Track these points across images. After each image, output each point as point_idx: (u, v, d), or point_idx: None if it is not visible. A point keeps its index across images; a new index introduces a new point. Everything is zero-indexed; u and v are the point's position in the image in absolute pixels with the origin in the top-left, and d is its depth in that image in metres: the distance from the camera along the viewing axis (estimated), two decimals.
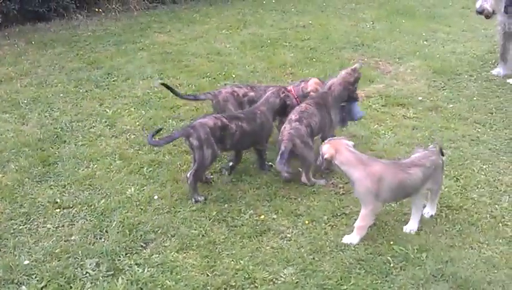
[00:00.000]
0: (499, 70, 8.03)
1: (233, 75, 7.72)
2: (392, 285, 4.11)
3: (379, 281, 4.14)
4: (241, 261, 4.27)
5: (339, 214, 4.89)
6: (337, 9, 11.41)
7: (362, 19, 10.81)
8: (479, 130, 6.51)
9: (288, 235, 4.64)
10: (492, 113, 6.93)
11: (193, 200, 4.95)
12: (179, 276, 4.07)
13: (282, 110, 5.48)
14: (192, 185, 4.95)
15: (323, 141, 5.03)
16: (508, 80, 7.79)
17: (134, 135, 6.15)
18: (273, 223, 4.76)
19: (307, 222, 4.77)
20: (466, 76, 8.02)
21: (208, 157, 4.96)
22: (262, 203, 5.02)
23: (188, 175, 4.99)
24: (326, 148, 4.54)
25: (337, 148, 4.52)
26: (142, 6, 11.05)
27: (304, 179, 5.30)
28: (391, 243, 4.53)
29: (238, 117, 5.20)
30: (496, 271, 4.30)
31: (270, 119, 5.39)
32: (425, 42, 9.48)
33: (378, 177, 4.42)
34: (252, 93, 5.78)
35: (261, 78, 7.67)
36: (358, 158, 4.52)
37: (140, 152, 5.79)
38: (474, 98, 7.30)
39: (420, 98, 7.24)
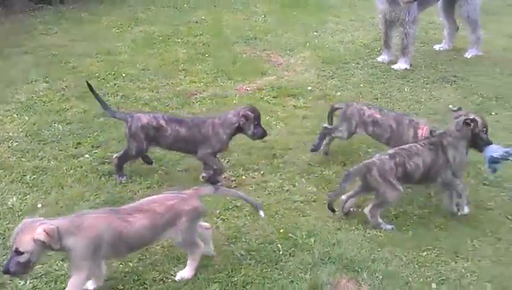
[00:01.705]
0: (383, 57, 8.36)
1: (124, 74, 7.59)
2: (281, 272, 4.18)
3: (269, 269, 4.20)
4: (130, 264, 4.20)
5: (230, 207, 4.91)
6: (230, 4, 11.45)
7: (254, 12, 10.90)
8: None
9: None
10: (377, 99, 7.20)
11: (118, 180, 5.25)
12: (63, 285, 3.94)
13: (238, 131, 5.33)
14: (115, 167, 5.28)
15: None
16: (393, 66, 8.13)
17: (16, 142, 5.88)
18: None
19: None
20: (353, 64, 8.28)
21: (133, 149, 5.23)
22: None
23: (114, 157, 5.30)
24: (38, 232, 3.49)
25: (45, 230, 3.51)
26: (27, 7, 10.60)
27: (367, 211, 4.84)
28: (281, 231, 4.61)
29: (180, 121, 5.27)
30: (379, 249, 4.48)
31: (219, 133, 5.26)
32: (315, 33, 9.69)
33: (93, 235, 3.64)
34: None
35: (153, 76, 7.59)
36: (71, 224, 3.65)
37: (23, 159, 5.56)
38: (361, 85, 7.56)
39: (310, 88, 7.40)
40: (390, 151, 4.91)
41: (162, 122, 5.21)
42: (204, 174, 5.35)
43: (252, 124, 5.24)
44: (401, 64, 8.10)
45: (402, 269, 4.28)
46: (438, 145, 4.88)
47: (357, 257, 4.35)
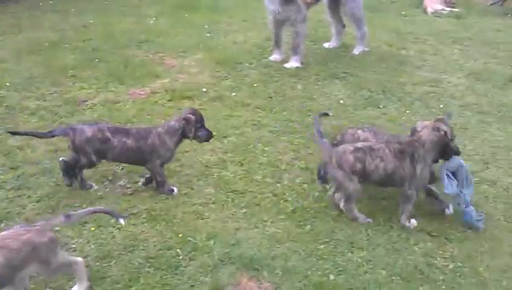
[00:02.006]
0: (275, 57, 8.47)
1: (8, 84, 7.19)
2: (181, 277, 4.13)
3: (169, 276, 4.13)
4: None
5: (126, 215, 4.78)
6: (119, 7, 11.19)
7: (146, 15, 10.70)
8: (260, 114, 6.82)
9: (74, 245, 4.43)
10: (271, 98, 7.28)
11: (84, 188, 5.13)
12: None
13: (182, 136, 5.17)
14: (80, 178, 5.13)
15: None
16: (285, 65, 8.25)
17: None
18: (57, 236, 4.51)
19: (93, 228, 4.59)
20: (247, 64, 8.32)
21: (83, 161, 5.04)
22: (44, 216, 4.73)
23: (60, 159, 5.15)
24: None
25: None
26: None
27: (342, 207, 4.96)
28: (180, 235, 4.55)
29: (126, 132, 5.09)
30: (279, 246, 4.53)
31: (166, 143, 5.10)
32: (208, 34, 9.66)
33: None
34: None
35: (40, 84, 7.25)
36: None
37: None
38: (255, 85, 7.61)
39: (205, 90, 7.36)
40: (359, 144, 4.91)
41: (108, 134, 5.01)
42: (143, 180, 5.29)
43: (193, 127, 5.12)
44: (293, 63, 8.25)
45: (301, 264, 4.36)
46: (406, 155, 4.81)
47: (256, 255, 4.37)
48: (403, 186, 4.88)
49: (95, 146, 4.98)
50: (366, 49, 9.06)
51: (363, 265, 4.40)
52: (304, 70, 8.16)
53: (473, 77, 8.42)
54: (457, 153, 4.93)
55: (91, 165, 5.10)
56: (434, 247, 4.67)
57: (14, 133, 5.50)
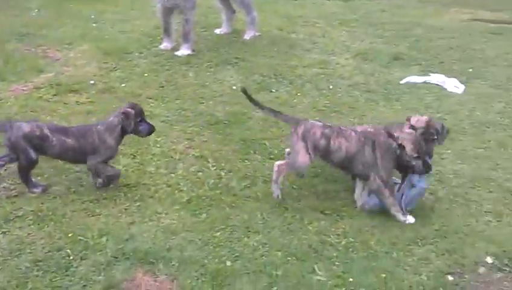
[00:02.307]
0: (165, 45, 8.31)
1: None
2: (73, 278, 3.96)
3: (59, 278, 3.95)
4: None
5: (11, 219, 4.53)
6: None
7: (27, 8, 10.16)
8: (152, 104, 6.67)
9: None
10: (163, 87, 7.15)
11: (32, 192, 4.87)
12: None
13: (125, 131, 4.96)
14: (23, 180, 4.88)
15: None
16: (176, 53, 8.12)
17: None
18: None
19: None
20: (137, 54, 8.10)
21: (23, 160, 4.79)
22: None
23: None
24: None
25: None
26: None
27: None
28: (70, 235, 4.37)
29: (65, 131, 4.90)
30: (174, 237, 4.46)
31: (106, 141, 4.88)
32: (94, 24, 9.31)
33: None
34: None
35: None
36: None
37: None
38: (146, 74, 7.44)
39: (92, 82, 7.10)
40: (329, 123, 5.08)
41: (47, 131, 4.78)
42: (100, 181, 5.02)
43: (133, 122, 4.91)
44: (184, 51, 8.13)
45: (197, 253, 4.31)
46: (369, 141, 4.87)
47: (151, 248, 4.28)
48: (365, 178, 4.91)
49: (33, 142, 4.75)
50: (257, 34, 9.09)
51: (259, 248, 4.42)
52: (195, 57, 8.06)
53: (360, 57, 8.67)
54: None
55: (31, 163, 4.82)
56: (327, 225, 4.77)
57: None
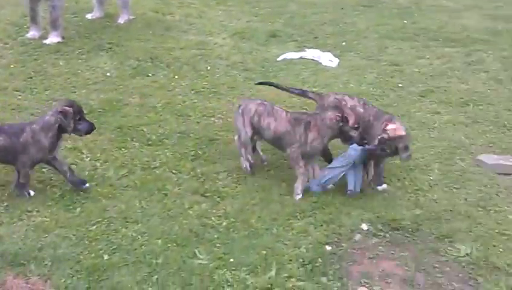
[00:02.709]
0: (33, 33, 7.86)
1: None
2: None
3: None
4: None
5: None
6: None
7: None
8: (20, 97, 6.33)
9: None
10: (31, 78, 6.78)
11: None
12: None
13: (62, 131, 4.67)
14: None
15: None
16: (44, 41, 7.71)
17: None
18: None
19: None
20: (1, 44, 7.62)
21: None
22: None
23: None
24: None
25: None
26: None
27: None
28: None
29: None
30: (46, 235, 4.26)
31: (40, 141, 4.58)
32: None
33: None
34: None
35: None
36: None
37: None
38: (12, 66, 7.01)
39: None
40: (266, 101, 5.25)
41: None
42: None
43: (72, 120, 4.62)
44: (53, 38, 7.73)
45: (72, 249, 4.14)
46: (301, 123, 4.92)
47: (22, 249, 4.07)
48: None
49: None
50: (132, 17, 8.81)
51: (138, 238, 4.31)
52: (65, 45, 7.68)
53: (237, 36, 8.64)
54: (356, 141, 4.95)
55: None
56: (208, 207, 4.74)
57: None
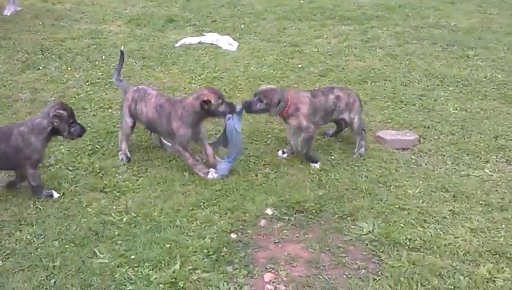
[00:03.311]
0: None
1: None
2: None
3: None
4: None
5: None
6: None
7: None
8: None
9: None
10: None
11: None
12: None
13: (53, 134, 4.53)
14: None
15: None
16: None
17: None
18: None
19: None
20: None
21: None
22: None
23: None
24: None
25: None
26: None
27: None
28: None
29: None
30: None
31: (33, 143, 4.41)
32: None
33: None
34: None
35: None
36: None
37: None
38: None
39: None
40: (144, 86, 5.30)
41: None
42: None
43: (66, 124, 4.48)
44: None
45: None
46: (165, 111, 4.91)
47: None
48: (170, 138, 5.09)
49: None
50: (19, 8, 8.42)
51: (34, 241, 4.07)
52: None
53: (133, 23, 8.42)
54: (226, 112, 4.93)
55: None
56: (107, 203, 4.55)
57: None
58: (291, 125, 5.22)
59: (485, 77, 7.19)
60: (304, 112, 5.12)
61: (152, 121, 5.02)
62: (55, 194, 4.60)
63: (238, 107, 5.01)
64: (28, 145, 4.43)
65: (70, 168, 4.98)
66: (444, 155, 5.42)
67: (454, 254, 4.06)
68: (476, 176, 5.08)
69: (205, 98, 4.83)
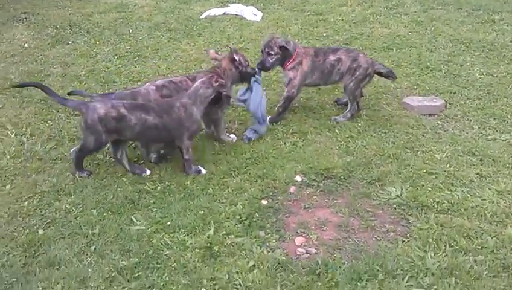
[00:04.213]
0: None
1: None
2: None
3: None
4: None
5: None
6: None
7: None
8: None
9: None
10: None
11: (76, 175, 4.62)
12: None
13: (215, 101, 4.71)
14: (74, 162, 4.62)
15: None
16: None
17: None
18: None
19: None
20: None
21: (90, 143, 4.49)
22: None
23: (71, 151, 4.66)
24: None
25: None
26: None
27: None
28: None
29: (145, 108, 4.51)
30: None
31: (194, 113, 4.58)
32: None
33: None
34: None
35: None
36: None
37: None
38: None
39: None
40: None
41: (123, 111, 4.42)
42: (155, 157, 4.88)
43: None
44: None
45: (5, 227, 4.05)
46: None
47: None
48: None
49: (109, 126, 4.42)
50: None
51: (73, 210, 4.23)
52: None
53: None
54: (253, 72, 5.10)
55: (100, 145, 4.54)
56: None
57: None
58: (288, 76, 5.37)
59: (511, 41, 7.15)
60: (305, 69, 5.28)
61: None
62: (203, 171, 4.71)
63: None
64: (189, 116, 4.59)
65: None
66: (471, 120, 5.46)
67: (481, 215, 4.14)
68: (502, 140, 5.12)
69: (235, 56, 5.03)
